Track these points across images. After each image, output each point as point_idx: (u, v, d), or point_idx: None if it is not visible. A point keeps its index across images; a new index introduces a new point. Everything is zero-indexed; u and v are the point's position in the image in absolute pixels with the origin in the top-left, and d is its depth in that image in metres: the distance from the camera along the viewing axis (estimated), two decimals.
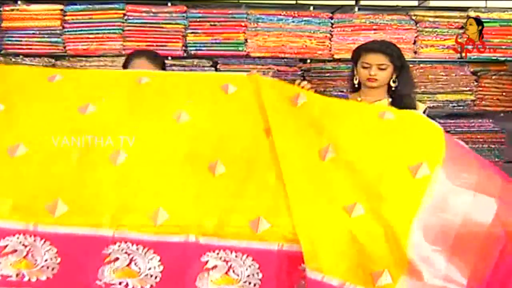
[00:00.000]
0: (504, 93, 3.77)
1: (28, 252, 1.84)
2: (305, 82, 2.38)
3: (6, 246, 1.82)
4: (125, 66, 2.68)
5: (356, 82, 2.70)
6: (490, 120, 3.77)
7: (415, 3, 3.81)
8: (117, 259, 1.85)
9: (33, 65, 3.48)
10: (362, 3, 3.71)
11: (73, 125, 2.04)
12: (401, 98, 2.58)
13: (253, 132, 2.03)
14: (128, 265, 1.85)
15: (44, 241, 1.83)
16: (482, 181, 1.88)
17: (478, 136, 3.69)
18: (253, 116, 2.07)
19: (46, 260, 1.84)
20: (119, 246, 1.84)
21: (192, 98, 2.13)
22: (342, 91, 3.30)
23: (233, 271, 1.86)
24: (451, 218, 1.82)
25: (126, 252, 1.84)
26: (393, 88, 2.64)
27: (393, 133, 2.04)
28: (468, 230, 1.81)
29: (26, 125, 2.02)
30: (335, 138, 2.01)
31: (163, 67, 2.72)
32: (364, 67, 2.62)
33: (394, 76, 2.64)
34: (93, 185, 1.95)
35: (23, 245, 1.84)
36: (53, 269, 1.84)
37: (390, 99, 2.64)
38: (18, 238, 1.83)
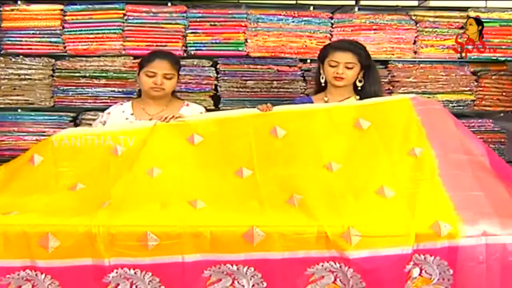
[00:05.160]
0: (504, 93, 3.77)
1: (33, 286, 1.90)
2: (269, 104, 2.46)
3: (9, 284, 1.89)
4: (143, 65, 2.70)
5: (323, 81, 2.71)
6: (490, 120, 3.77)
7: (415, 3, 3.80)
8: (117, 285, 1.89)
9: (33, 65, 3.49)
10: (362, 3, 3.70)
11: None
12: (368, 97, 2.59)
13: (225, 174, 2.25)
14: None
15: (45, 275, 1.89)
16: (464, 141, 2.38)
17: (478, 136, 3.67)
18: (223, 159, 2.30)
19: None
20: (116, 272, 1.90)
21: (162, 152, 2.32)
22: None
23: (238, 282, 1.90)
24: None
25: (125, 277, 1.90)
26: (359, 88, 2.67)
27: (377, 135, 2.34)
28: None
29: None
30: (332, 155, 2.26)
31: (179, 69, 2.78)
32: (331, 65, 2.63)
33: (360, 76, 2.66)
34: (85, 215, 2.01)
35: (26, 279, 1.90)
36: None
37: (357, 97, 2.66)
38: (19, 274, 1.89)
